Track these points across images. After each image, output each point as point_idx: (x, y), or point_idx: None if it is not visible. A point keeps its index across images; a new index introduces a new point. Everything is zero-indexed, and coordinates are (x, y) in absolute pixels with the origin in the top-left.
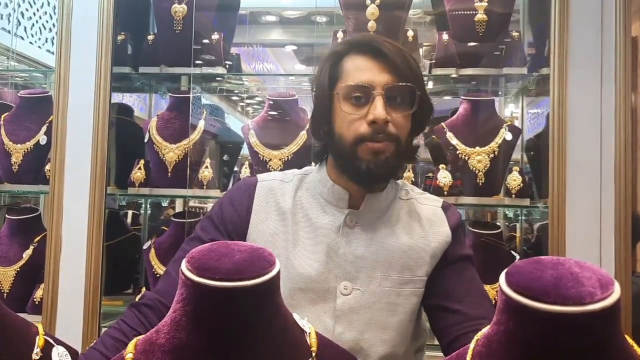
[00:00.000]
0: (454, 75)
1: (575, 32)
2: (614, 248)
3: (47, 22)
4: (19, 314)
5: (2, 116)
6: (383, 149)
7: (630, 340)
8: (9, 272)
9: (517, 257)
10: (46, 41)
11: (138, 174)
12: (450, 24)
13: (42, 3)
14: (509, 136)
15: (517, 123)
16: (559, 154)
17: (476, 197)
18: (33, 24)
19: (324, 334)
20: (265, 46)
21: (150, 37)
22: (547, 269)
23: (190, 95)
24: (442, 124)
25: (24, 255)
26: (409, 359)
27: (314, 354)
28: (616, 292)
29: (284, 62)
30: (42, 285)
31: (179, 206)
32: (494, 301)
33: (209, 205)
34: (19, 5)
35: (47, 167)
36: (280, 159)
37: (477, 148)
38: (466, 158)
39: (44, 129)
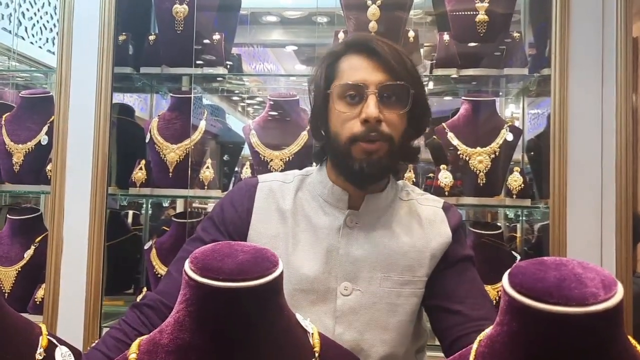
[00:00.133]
0: (455, 76)
1: (576, 32)
2: (615, 248)
3: (47, 22)
4: (20, 314)
5: (4, 116)
6: (376, 149)
7: (633, 341)
8: (10, 272)
9: (518, 257)
10: (47, 41)
11: (139, 174)
12: (451, 24)
13: (43, 3)
14: (509, 137)
15: (517, 123)
16: (560, 154)
17: (477, 198)
18: (34, 24)
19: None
20: (266, 46)
21: (152, 38)
22: (550, 269)
23: (192, 95)
24: (443, 124)
25: (25, 255)
26: None
27: (316, 355)
28: (619, 293)
29: (284, 62)
30: (43, 285)
31: (179, 206)
32: (494, 302)
33: (210, 206)
34: (20, 6)
35: (48, 167)
36: (281, 160)
37: (478, 148)
38: (467, 158)
39: (45, 129)
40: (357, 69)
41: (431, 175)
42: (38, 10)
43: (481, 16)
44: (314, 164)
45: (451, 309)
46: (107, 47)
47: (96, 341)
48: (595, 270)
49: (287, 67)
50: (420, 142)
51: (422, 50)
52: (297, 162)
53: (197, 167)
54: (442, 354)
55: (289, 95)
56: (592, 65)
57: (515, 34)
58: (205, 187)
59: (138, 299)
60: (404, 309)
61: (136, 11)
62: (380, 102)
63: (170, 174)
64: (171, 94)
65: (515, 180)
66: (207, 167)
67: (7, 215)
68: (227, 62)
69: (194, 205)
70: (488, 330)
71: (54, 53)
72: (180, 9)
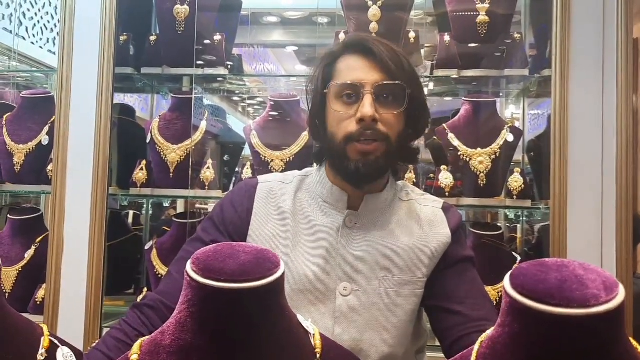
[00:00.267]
0: (456, 77)
1: (576, 33)
2: (615, 249)
3: (48, 22)
4: (21, 315)
5: (4, 116)
6: (372, 150)
7: (634, 342)
8: (11, 272)
9: (518, 258)
10: (47, 41)
11: (140, 174)
12: (451, 25)
13: (44, 3)
14: (510, 137)
15: (518, 124)
16: (561, 155)
17: (477, 198)
18: (35, 24)
19: None
20: (267, 47)
21: (153, 38)
22: (551, 271)
23: (192, 96)
24: (444, 125)
25: (25, 256)
26: None
27: (318, 355)
28: (621, 295)
29: (285, 63)
30: (44, 286)
31: (180, 207)
32: (495, 302)
33: (211, 206)
34: (21, 6)
35: (49, 167)
36: (281, 160)
37: (479, 149)
38: (467, 159)
39: (46, 129)
40: (353, 69)
41: (431, 175)
42: (39, 10)
43: (482, 17)
44: (315, 164)
45: (451, 309)
46: (108, 47)
47: (96, 341)
48: (596, 272)
49: (287, 67)
50: (420, 142)
51: (422, 51)
52: (297, 162)
53: (198, 168)
54: (442, 355)
55: (290, 95)
56: (593, 66)
57: (516, 35)
58: (206, 187)
59: (138, 299)
60: (403, 309)
61: (137, 12)
62: (377, 101)
63: (171, 174)
64: (172, 95)
65: (515, 181)
66: (208, 168)
67: (8, 216)
68: (228, 63)
69: (197, 206)
70: (489, 332)
71: (54, 53)
72: (181, 10)
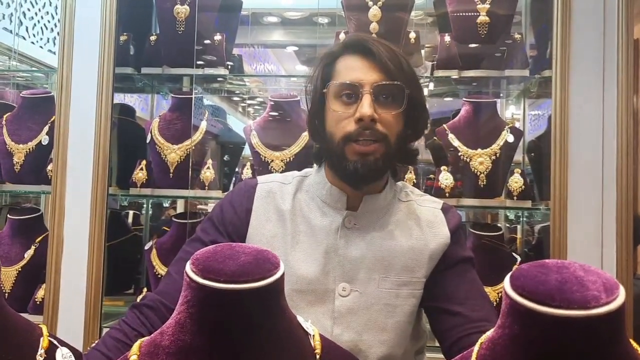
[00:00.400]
0: (456, 77)
1: (577, 34)
2: (616, 250)
3: (48, 22)
4: (20, 315)
5: (4, 116)
6: (371, 151)
7: (634, 344)
8: (10, 272)
9: (518, 259)
10: (48, 41)
11: (140, 174)
12: (452, 25)
13: (44, 3)
14: (510, 138)
15: (518, 125)
16: (561, 155)
17: (477, 199)
18: (35, 24)
19: None
20: (267, 47)
21: (153, 38)
22: (551, 272)
23: (192, 96)
24: (444, 125)
25: (25, 255)
26: None
27: (318, 356)
28: (621, 296)
29: (285, 63)
30: (43, 286)
31: (180, 207)
32: (495, 303)
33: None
34: (21, 6)
35: (49, 167)
36: (282, 160)
37: (479, 150)
38: (468, 160)
39: (46, 129)
40: (352, 69)
41: (432, 176)
42: (39, 10)
43: (482, 17)
44: (314, 165)
45: (451, 310)
46: (108, 47)
47: (96, 341)
48: (596, 273)
49: (287, 67)
50: (420, 143)
51: (423, 52)
52: (297, 162)
53: (198, 168)
54: (442, 356)
55: (290, 96)
56: (593, 66)
57: (516, 36)
58: (206, 187)
59: (138, 299)
60: (402, 309)
61: (137, 11)
62: (376, 101)
63: (171, 175)
64: (172, 95)
65: (515, 181)
66: (208, 168)
67: (8, 215)
68: (228, 63)
69: (198, 207)
70: (489, 333)
71: (55, 53)
72: (182, 10)
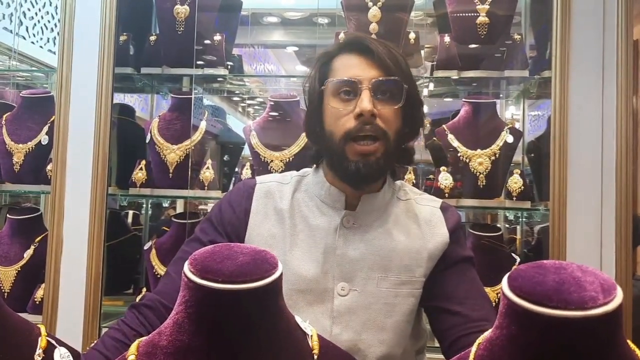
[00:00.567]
0: (456, 78)
1: (577, 34)
2: (615, 251)
3: (48, 22)
4: (20, 314)
5: (4, 116)
6: (372, 151)
7: (632, 345)
8: (9, 272)
9: (518, 259)
10: (48, 41)
11: (139, 174)
12: (452, 26)
13: (44, 3)
14: (510, 138)
15: (518, 125)
16: (560, 156)
17: (477, 200)
18: (35, 24)
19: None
20: (267, 47)
21: (153, 38)
22: (549, 273)
23: (192, 96)
24: (444, 126)
25: (24, 255)
26: None
27: (315, 357)
28: (618, 297)
29: (285, 63)
30: (42, 285)
31: (179, 207)
32: (494, 304)
33: (210, 207)
34: (21, 5)
35: (49, 167)
36: (281, 160)
37: (478, 150)
38: (467, 160)
39: (45, 128)
40: (350, 66)
41: (431, 176)
42: (39, 10)
43: (482, 18)
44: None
45: (451, 310)
46: (108, 47)
47: (95, 341)
48: (594, 274)
49: (287, 68)
50: (420, 143)
51: (422, 52)
52: (297, 163)
53: (197, 168)
54: (441, 356)
55: (290, 96)
56: (593, 67)
57: (516, 36)
58: (206, 187)
59: (137, 299)
60: (401, 309)
61: (137, 11)
62: (374, 97)
63: (171, 175)
64: (172, 95)
65: (515, 182)
66: (207, 168)
67: (7, 215)
68: (228, 63)
69: (198, 207)
70: (487, 334)
71: (54, 53)
72: (181, 10)
